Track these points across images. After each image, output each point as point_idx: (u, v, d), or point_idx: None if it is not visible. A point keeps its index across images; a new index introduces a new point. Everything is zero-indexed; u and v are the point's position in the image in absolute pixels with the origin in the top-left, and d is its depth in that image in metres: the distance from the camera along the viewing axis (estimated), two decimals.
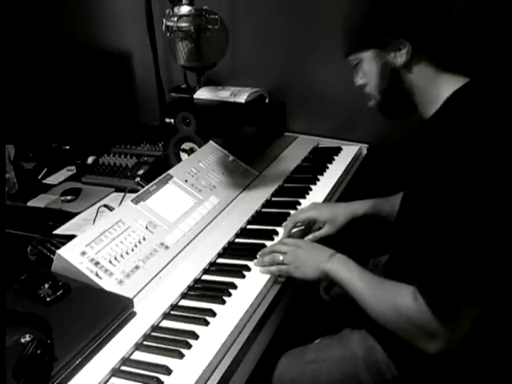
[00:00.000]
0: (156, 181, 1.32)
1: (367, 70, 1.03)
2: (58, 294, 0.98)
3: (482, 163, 0.82)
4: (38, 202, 1.55)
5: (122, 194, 1.41)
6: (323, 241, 1.26)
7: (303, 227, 1.30)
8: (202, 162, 1.47)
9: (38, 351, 0.82)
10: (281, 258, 1.11)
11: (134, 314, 0.99)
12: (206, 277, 1.14)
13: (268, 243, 1.23)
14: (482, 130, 0.85)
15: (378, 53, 0.99)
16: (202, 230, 1.28)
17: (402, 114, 1.08)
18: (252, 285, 1.09)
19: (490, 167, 0.82)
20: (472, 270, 0.82)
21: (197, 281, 1.12)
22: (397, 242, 1.11)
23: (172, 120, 1.60)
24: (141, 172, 1.61)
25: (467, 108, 0.90)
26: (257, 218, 1.36)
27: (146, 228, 1.18)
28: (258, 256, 1.16)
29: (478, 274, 0.83)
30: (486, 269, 0.83)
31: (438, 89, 0.96)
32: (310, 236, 1.26)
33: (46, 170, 1.75)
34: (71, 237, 1.11)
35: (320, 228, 1.28)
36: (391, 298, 0.92)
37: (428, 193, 0.88)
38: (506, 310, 0.94)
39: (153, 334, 0.97)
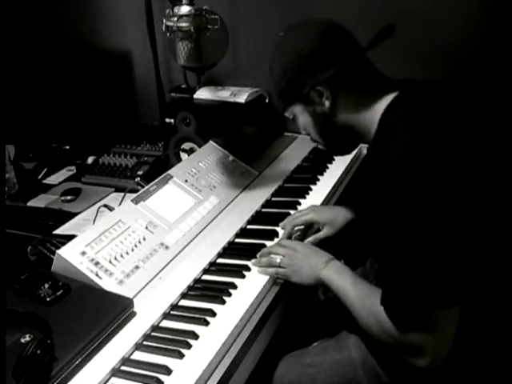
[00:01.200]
0: (156, 181, 1.32)
1: (302, 122, 1.08)
2: (58, 294, 0.98)
3: (424, 170, 0.83)
4: (38, 201, 1.55)
5: (122, 194, 1.41)
6: (322, 241, 1.27)
7: (302, 227, 1.29)
8: (202, 162, 1.47)
9: (38, 351, 0.82)
10: (278, 260, 1.11)
11: (134, 314, 0.99)
12: (206, 277, 1.14)
13: (268, 243, 1.23)
14: (418, 137, 0.86)
15: (304, 105, 1.04)
16: (202, 230, 1.28)
17: (350, 146, 1.14)
18: (252, 285, 1.09)
19: (432, 173, 0.82)
20: (428, 277, 0.82)
21: (197, 281, 1.12)
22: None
23: (172, 120, 1.60)
24: (141, 172, 1.61)
25: (399, 119, 0.91)
26: (257, 218, 1.36)
27: (146, 228, 1.18)
28: (257, 256, 1.16)
29: (436, 280, 0.82)
30: (445, 273, 0.82)
31: (372, 112, 0.98)
32: (311, 239, 1.26)
33: (46, 170, 1.75)
34: (71, 237, 1.11)
35: (319, 230, 1.28)
36: (376, 312, 0.90)
37: (383, 211, 0.89)
38: (494, 313, 0.93)
39: (153, 334, 0.97)
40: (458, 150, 0.86)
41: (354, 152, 1.70)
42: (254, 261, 1.15)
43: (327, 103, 1.01)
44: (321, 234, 1.26)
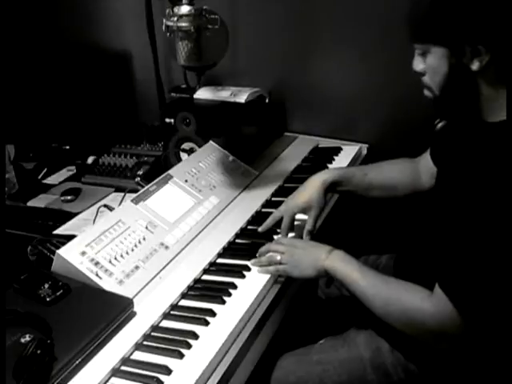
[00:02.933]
0: (156, 181, 1.32)
1: (433, 65, 0.92)
2: (58, 294, 0.98)
3: None
4: (38, 201, 1.55)
5: (122, 194, 1.41)
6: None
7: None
8: (202, 162, 1.47)
9: (38, 351, 0.82)
10: (278, 257, 1.11)
11: (133, 314, 0.99)
12: (205, 277, 1.14)
13: (268, 243, 1.23)
14: None
15: (450, 53, 0.89)
16: (202, 229, 1.28)
17: (457, 115, 1.00)
18: (252, 285, 1.09)
19: None
20: (504, 283, 0.82)
21: (197, 281, 1.12)
22: (418, 240, 1.10)
23: (172, 120, 1.60)
24: (141, 172, 1.61)
25: None
26: (257, 218, 1.36)
27: (146, 228, 1.18)
28: (257, 255, 1.16)
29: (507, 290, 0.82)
30: None
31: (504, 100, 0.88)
32: (304, 231, 1.21)
33: (46, 169, 1.75)
34: (71, 237, 1.11)
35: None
36: (399, 300, 0.92)
37: (473, 193, 0.85)
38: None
39: (153, 334, 0.97)
40: None
41: (354, 152, 1.71)
42: (253, 261, 1.15)
43: (476, 65, 0.86)
44: (309, 221, 1.20)
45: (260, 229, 1.25)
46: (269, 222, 1.26)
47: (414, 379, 1.04)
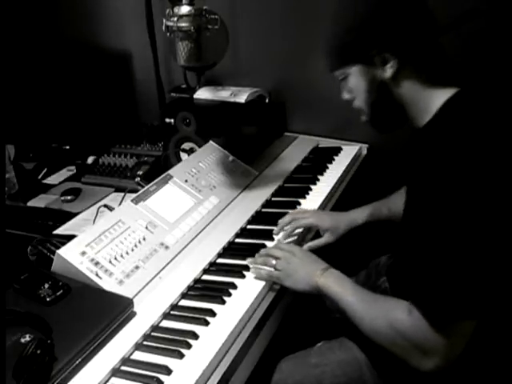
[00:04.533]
0: (156, 181, 1.32)
1: (354, 86, 1.02)
2: (58, 294, 0.98)
3: (478, 171, 0.82)
4: (38, 201, 1.55)
5: (122, 194, 1.41)
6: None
7: (302, 230, 1.29)
8: (202, 162, 1.47)
9: (38, 351, 0.82)
10: (273, 262, 1.10)
11: (133, 314, 0.99)
12: (205, 277, 1.14)
13: (268, 243, 1.23)
14: (478, 138, 0.84)
15: (363, 68, 0.98)
16: (202, 229, 1.28)
17: (394, 125, 1.07)
18: (252, 285, 1.09)
19: (486, 175, 0.82)
20: (470, 283, 0.81)
21: (197, 281, 1.12)
22: (399, 246, 1.10)
23: (172, 120, 1.60)
24: (141, 172, 1.61)
25: (461, 116, 0.89)
26: (257, 218, 1.36)
27: (146, 228, 1.18)
28: (256, 255, 1.16)
29: (476, 288, 0.82)
30: (483, 282, 0.82)
31: (430, 99, 0.94)
32: (311, 244, 1.25)
33: (46, 169, 1.75)
34: (71, 237, 1.11)
35: (319, 235, 1.27)
36: (385, 313, 0.91)
37: (423, 202, 0.87)
38: (498, 323, 0.93)
39: (153, 334, 0.97)
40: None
41: (354, 152, 1.71)
42: (250, 259, 1.15)
43: (389, 72, 0.94)
44: (321, 241, 1.26)
45: (276, 229, 1.27)
46: (287, 220, 1.27)
47: (411, 378, 1.04)
